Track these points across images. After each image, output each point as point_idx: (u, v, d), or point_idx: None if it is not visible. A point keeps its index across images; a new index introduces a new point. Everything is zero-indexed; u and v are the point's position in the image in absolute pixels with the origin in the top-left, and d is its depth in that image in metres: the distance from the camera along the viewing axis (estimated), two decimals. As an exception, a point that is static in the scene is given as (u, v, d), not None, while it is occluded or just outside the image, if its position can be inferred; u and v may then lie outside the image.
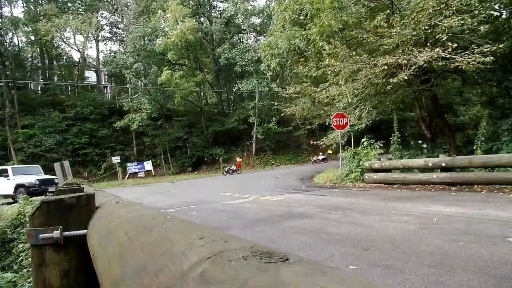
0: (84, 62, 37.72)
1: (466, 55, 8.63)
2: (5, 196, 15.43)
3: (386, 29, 9.67)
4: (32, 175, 16.23)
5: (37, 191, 14.79)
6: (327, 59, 11.11)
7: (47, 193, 13.98)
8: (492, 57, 8.30)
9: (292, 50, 15.36)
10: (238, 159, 26.96)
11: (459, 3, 8.53)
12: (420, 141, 12.85)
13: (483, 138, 10.52)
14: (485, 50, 8.39)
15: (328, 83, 12.86)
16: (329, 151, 27.92)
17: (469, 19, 8.40)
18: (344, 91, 11.54)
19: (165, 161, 29.93)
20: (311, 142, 18.04)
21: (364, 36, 10.74)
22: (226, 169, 24.77)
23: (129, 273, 0.64)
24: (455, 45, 8.65)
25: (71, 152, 27.85)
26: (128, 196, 12.21)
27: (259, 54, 19.94)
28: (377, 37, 10.18)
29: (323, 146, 16.10)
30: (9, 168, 16.37)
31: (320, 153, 27.10)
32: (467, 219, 5.28)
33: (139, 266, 0.61)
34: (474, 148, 10.61)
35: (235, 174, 23.92)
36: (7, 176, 15.67)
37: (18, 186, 15.22)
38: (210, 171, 28.75)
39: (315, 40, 12.39)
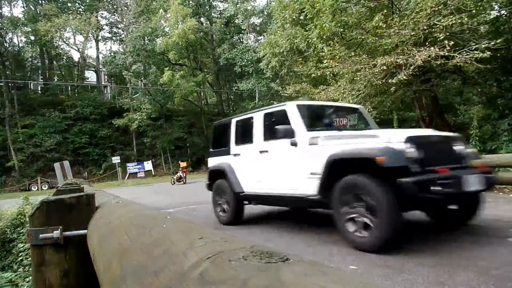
0: (84, 62, 37.75)
1: (464, 52, 8.64)
2: (307, 200, 4.52)
3: (384, 29, 9.68)
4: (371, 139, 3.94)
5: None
6: (326, 61, 11.13)
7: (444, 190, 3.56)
8: (489, 53, 8.31)
9: (293, 49, 15.35)
10: (182, 163, 20.20)
11: (457, 3, 8.54)
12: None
13: (476, 138, 10.54)
14: (483, 46, 8.40)
15: (327, 84, 12.87)
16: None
17: (465, 19, 8.41)
18: (343, 92, 11.54)
19: (165, 161, 29.93)
20: None
21: (363, 37, 10.74)
22: (175, 177, 18.43)
23: (129, 273, 0.64)
24: (451, 43, 8.66)
25: (71, 152, 27.87)
26: (128, 196, 12.21)
27: (258, 54, 19.92)
28: (376, 38, 10.18)
29: None
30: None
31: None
32: (467, 219, 5.28)
33: (139, 266, 0.61)
34: None
35: (181, 183, 17.98)
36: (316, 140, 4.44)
37: (332, 165, 4.02)
38: (210, 171, 28.76)
39: (315, 42, 12.40)
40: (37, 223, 1.43)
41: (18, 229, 7.62)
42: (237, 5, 29.99)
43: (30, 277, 3.78)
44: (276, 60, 16.81)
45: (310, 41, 13.01)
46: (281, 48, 15.71)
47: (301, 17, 14.17)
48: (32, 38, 31.81)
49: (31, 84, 34.90)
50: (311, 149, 4.45)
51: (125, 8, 34.07)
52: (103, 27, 38.82)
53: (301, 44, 13.98)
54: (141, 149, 30.71)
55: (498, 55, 9.06)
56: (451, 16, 8.48)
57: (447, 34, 8.83)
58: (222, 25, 33.07)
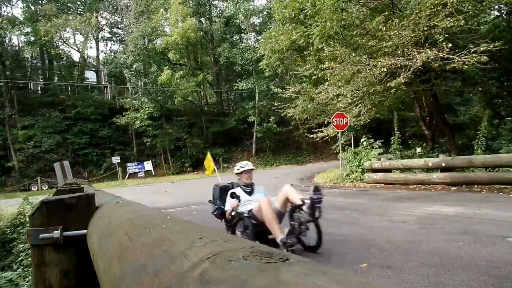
0: (84, 62, 37.72)
1: (462, 55, 8.62)
2: None
3: (384, 32, 9.67)
4: None
5: None
6: (327, 63, 11.11)
7: None
8: (486, 57, 8.27)
9: (292, 46, 15.28)
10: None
11: (456, 4, 8.52)
12: (421, 142, 12.87)
13: (483, 138, 10.51)
14: (482, 49, 8.37)
15: (327, 84, 12.86)
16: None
17: (463, 21, 8.38)
18: (343, 92, 11.54)
19: (165, 161, 29.94)
20: (309, 136, 17.13)
21: (364, 40, 10.72)
22: None
23: (129, 273, 0.64)
24: (450, 45, 8.63)
25: (71, 153, 27.85)
26: (128, 196, 12.20)
27: (258, 54, 19.78)
28: (377, 40, 10.17)
29: (320, 142, 15.62)
30: None
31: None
32: (467, 219, 5.28)
33: (139, 266, 0.61)
34: (475, 148, 10.61)
35: None
36: None
37: None
38: (210, 171, 28.80)
39: (314, 41, 12.37)
40: (37, 223, 1.43)
41: (18, 229, 7.63)
42: (237, 5, 29.98)
43: (30, 277, 3.78)
44: (275, 57, 16.69)
45: (310, 40, 12.95)
46: (281, 45, 15.63)
47: (301, 16, 14.16)
48: (32, 38, 31.79)
49: (31, 84, 34.87)
50: None
51: (125, 8, 34.07)
52: (103, 28, 38.81)
53: (300, 40, 13.90)
54: (141, 149, 30.70)
55: (499, 54, 9.04)
56: (449, 19, 8.47)
57: (447, 35, 8.82)
58: (222, 25, 33.04)
